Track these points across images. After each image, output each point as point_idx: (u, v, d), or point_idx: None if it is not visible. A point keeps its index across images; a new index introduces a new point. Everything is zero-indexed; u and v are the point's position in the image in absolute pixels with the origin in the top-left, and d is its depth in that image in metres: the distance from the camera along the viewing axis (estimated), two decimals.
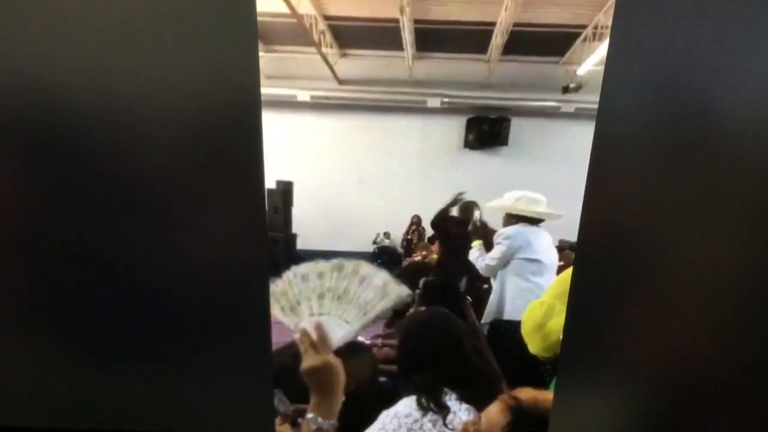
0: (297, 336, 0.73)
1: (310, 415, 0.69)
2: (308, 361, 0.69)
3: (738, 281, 0.36)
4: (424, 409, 1.04)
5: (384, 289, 0.79)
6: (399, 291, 0.80)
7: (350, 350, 1.60)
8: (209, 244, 0.43)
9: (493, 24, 7.08)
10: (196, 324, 0.45)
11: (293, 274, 0.82)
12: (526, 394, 0.96)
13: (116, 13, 0.37)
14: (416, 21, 7.18)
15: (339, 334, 0.74)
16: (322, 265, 0.83)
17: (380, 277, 0.81)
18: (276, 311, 0.79)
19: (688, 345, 0.39)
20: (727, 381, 0.38)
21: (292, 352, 2.46)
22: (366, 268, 0.83)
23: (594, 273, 0.39)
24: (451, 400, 1.07)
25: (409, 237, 8.03)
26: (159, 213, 0.43)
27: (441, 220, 3.80)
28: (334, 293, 0.79)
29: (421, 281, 2.36)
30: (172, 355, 0.46)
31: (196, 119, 0.40)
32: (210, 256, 0.44)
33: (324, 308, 0.78)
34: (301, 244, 8.53)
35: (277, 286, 0.81)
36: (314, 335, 0.71)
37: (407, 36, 7.35)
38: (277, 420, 1.03)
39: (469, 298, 2.73)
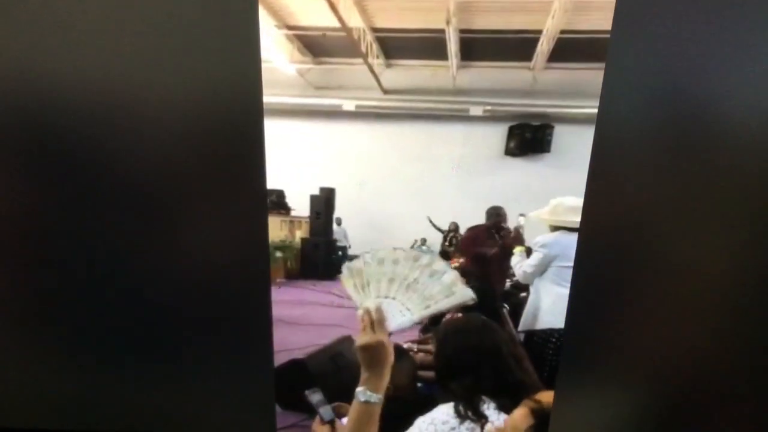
0: (360, 313, 0.77)
1: (360, 388, 0.73)
2: (364, 338, 0.74)
3: (738, 282, 0.36)
4: (461, 416, 0.99)
5: (450, 288, 0.80)
6: (464, 293, 0.81)
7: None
8: (210, 247, 0.43)
9: (538, 32, 6.88)
10: (197, 327, 0.44)
11: (371, 256, 0.84)
12: (548, 397, 0.94)
13: (119, 19, 0.37)
14: (461, 31, 7.12)
15: (398, 320, 0.77)
16: (399, 252, 0.84)
17: (450, 275, 0.82)
18: (349, 286, 0.82)
19: (689, 345, 0.38)
20: (728, 381, 0.38)
21: (329, 354, 2.46)
22: (439, 263, 0.84)
23: (594, 273, 0.39)
24: (489, 409, 1.01)
25: (446, 243, 7.91)
26: (161, 216, 0.43)
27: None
28: (403, 280, 0.81)
29: None
30: (173, 357, 0.45)
31: (197, 123, 0.40)
32: (211, 259, 0.43)
33: (391, 292, 0.80)
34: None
35: (354, 265, 0.84)
36: (374, 315, 0.75)
37: (452, 46, 7.30)
38: (317, 422, 1.02)
39: (506, 306, 2.62)
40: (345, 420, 0.99)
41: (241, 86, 0.38)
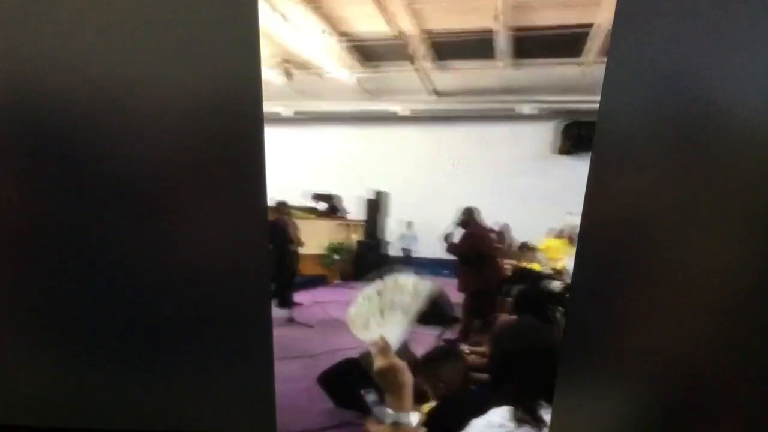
0: (370, 347, 0.88)
1: (386, 411, 0.79)
2: (377, 363, 0.83)
3: (739, 281, 0.34)
4: (519, 421, 0.95)
5: (414, 290, 0.92)
6: (424, 287, 0.93)
7: (443, 356, 1.56)
8: (211, 247, 0.42)
9: (588, 26, 6.45)
10: (199, 326, 0.43)
11: (362, 297, 0.98)
12: None
13: (120, 20, 0.37)
14: (511, 29, 6.86)
15: (396, 337, 0.88)
16: (377, 284, 0.97)
17: (410, 281, 0.94)
18: (355, 331, 0.95)
19: (689, 345, 0.37)
20: (728, 380, 0.37)
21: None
22: (401, 279, 0.95)
23: (595, 272, 0.38)
24: (548, 414, 0.96)
25: (497, 246, 7.66)
26: (161, 216, 0.42)
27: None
28: (387, 306, 0.93)
29: (514, 289, 2.21)
30: (174, 356, 0.45)
31: (198, 125, 0.39)
32: (212, 259, 0.43)
33: (385, 320, 0.92)
34: (394, 251, 8.70)
35: (351, 311, 0.98)
36: (380, 344, 0.85)
37: (502, 44, 7.05)
38: (371, 421, 1.03)
39: (561, 308, 2.48)
40: None
41: (242, 88, 0.38)
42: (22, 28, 0.37)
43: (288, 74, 8.09)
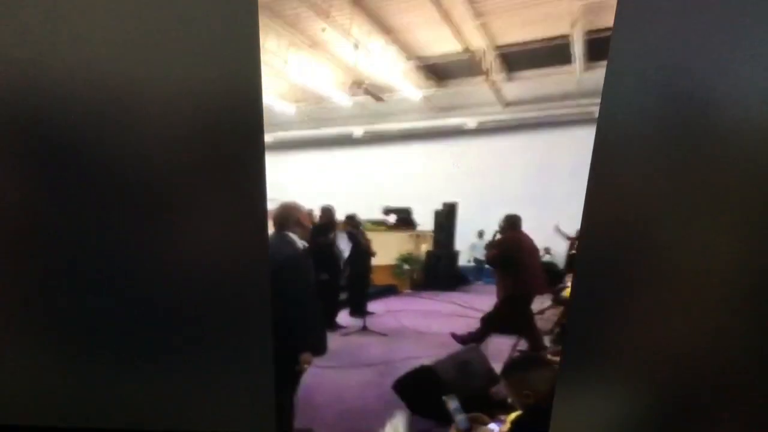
0: None
1: (468, 418, 0.78)
2: None
3: (739, 281, 0.34)
4: None
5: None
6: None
7: (527, 364, 1.53)
8: (212, 246, 0.43)
9: None
10: (199, 326, 0.44)
11: None
12: None
13: (120, 21, 0.37)
14: (587, 32, 6.49)
15: None
16: None
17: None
18: None
19: (689, 345, 0.37)
20: (728, 380, 0.36)
21: (457, 362, 2.46)
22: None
23: (595, 273, 0.38)
24: None
25: (572, 252, 7.15)
26: (163, 217, 0.42)
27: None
28: None
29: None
30: (176, 356, 0.45)
31: (198, 125, 0.40)
32: (213, 258, 0.43)
33: None
34: (463, 260, 8.57)
35: None
36: None
37: (577, 49, 6.69)
38: (453, 429, 1.05)
39: None
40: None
41: (242, 89, 0.38)
42: (23, 27, 0.36)
43: (377, 98, 8.50)
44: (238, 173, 0.40)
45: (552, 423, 0.44)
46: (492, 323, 3.82)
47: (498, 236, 4.15)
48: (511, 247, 3.84)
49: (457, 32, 6.16)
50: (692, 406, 0.39)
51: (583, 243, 0.39)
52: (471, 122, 9.39)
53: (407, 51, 7.51)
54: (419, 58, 7.71)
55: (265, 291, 0.45)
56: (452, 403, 1.08)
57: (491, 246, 3.98)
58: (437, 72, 8.69)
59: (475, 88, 8.71)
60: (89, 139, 0.39)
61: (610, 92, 0.36)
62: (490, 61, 7.36)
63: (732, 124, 0.33)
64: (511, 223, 4.09)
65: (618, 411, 0.41)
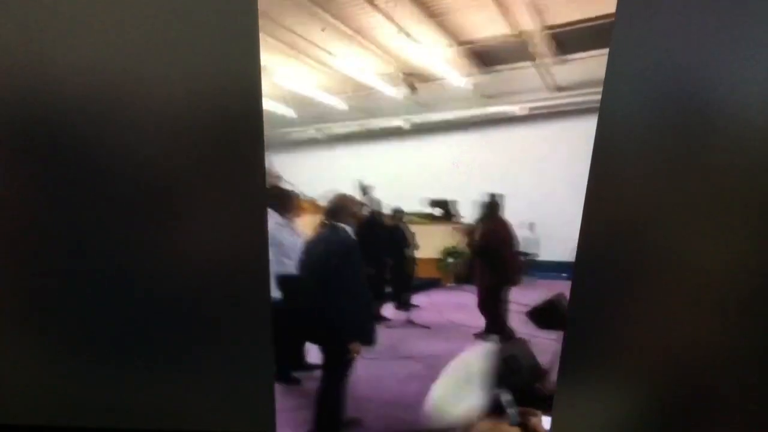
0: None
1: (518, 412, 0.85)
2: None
3: (740, 281, 0.33)
4: None
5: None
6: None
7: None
8: (210, 245, 0.42)
9: None
10: (199, 325, 0.43)
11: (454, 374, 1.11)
12: None
13: (120, 17, 0.37)
14: None
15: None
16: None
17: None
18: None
19: (689, 345, 0.36)
20: (728, 380, 0.35)
21: (502, 356, 2.38)
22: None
23: (594, 273, 0.37)
24: None
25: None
26: (163, 216, 0.41)
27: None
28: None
29: None
30: (176, 355, 0.44)
31: (198, 122, 0.39)
32: (211, 257, 0.42)
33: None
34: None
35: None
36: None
37: None
38: (495, 420, 1.03)
39: None
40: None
41: (242, 85, 0.38)
42: (22, 27, 0.36)
43: (413, 88, 8.37)
44: (238, 172, 0.40)
45: (552, 423, 0.43)
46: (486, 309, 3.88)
47: (479, 224, 4.01)
48: (492, 240, 3.83)
49: (506, 12, 5.81)
50: (693, 406, 0.38)
51: (582, 242, 0.39)
52: (519, 109, 8.92)
53: (453, 36, 7.24)
54: (466, 43, 7.41)
55: (266, 290, 0.43)
56: (504, 397, 1.04)
57: (471, 234, 3.95)
58: (484, 58, 8.33)
59: (523, 73, 8.26)
60: (90, 138, 0.39)
61: (610, 89, 0.35)
62: (540, 43, 6.90)
63: (734, 121, 0.32)
64: (493, 209, 4.00)
65: (618, 410, 0.40)
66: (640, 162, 0.35)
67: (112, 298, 0.42)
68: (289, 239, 2.54)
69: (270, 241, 2.08)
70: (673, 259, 0.36)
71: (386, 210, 4.56)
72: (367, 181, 2.89)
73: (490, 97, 9.14)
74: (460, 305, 5.32)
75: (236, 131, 0.39)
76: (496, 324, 3.85)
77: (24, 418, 0.45)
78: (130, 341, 0.43)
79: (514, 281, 3.82)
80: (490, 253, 3.77)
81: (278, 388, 2.61)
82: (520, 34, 6.32)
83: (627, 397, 0.40)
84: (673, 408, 0.39)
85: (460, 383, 0.95)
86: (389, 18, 6.17)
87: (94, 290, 0.42)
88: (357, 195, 2.73)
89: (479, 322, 4.50)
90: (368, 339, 1.93)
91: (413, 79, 8.30)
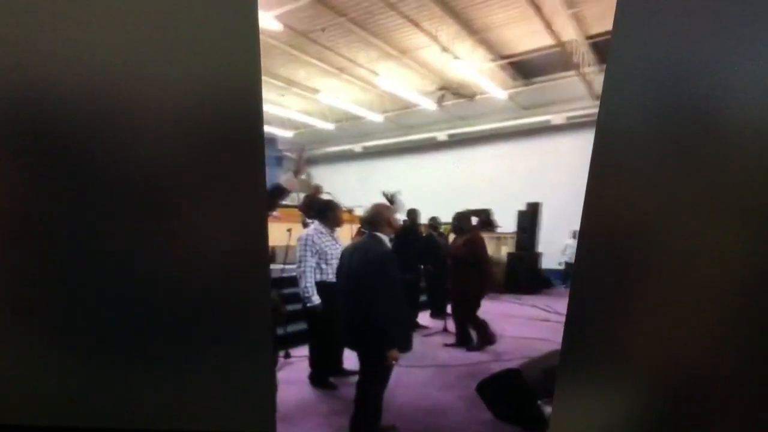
0: None
1: None
2: None
3: (739, 281, 0.33)
4: None
5: None
6: None
7: None
8: (210, 245, 0.42)
9: None
10: (198, 323, 0.43)
11: None
12: None
13: (121, 18, 0.36)
14: None
15: None
16: None
17: None
18: None
19: (688, 345, 0.36)
20: (728, 380, 0.35)
21: (542, 367, 2.31)
22: None
23: (594, 272, 0.37)
24: None
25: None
26: (161, 214, 0.41)
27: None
28: None
29: None
30: (175, 354, 0.44)
31: (197, 123, 0.39)
32: (211, 257, 0.42)
33: None
34: (544, 263, 7.94)
35: None
36: None
37: None
38: None
39: None
40: None
41: (242, 87, 0.37)
42: (21, 25, 0.36)
43: (456, 96, 8.38)
44: (238, 171, 0.40)
45: (552, 423, 0.43)
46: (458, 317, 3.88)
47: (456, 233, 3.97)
48: (474, 250, 3.81)
49: (548, 24, 5.72)
50: (694, 406, 0.38)
51: (582, 243, 0.38)
52: (558, 118, 8.65)
53: (494, 51, 7.21)
54: (507, 57, 7.35)
55: (265, 290, 0.43)
56: (548, 409, 1.03)
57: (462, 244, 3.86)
58: (524, 70, 8.20)
59: (563, 83, 8.04)
60: (89, 137, 0.38)
61: (610, 92, 0.35)
62: (582, 52, 6.69)
63: (735, 123, 0.32)
64: (464, 222, 3.98)
65: (619, 411, 0.40)
66: (640, 163, 0.36)
67: (112, 298, 0.41)
68: (331, 247, 2.65)
69: (313, 249, 2.18)
70: (674, 259, 0.35)
71: (423, 219, 4.59)
72: (392, 190, 2.94)
73: (528, 108, 8.96)
74: (497, 315, 5.21)
75: (236, 131, 0.38)
76: (466, 333, 3.87)
77: (24, 418, 0.44)
78: (130, 340, 0.42)
79: (486, 291, 3.85)
80: (473, 263, 3.79)
81: (314, 393, 2.69)
82: (563, 44, 6.19)
83: (627, 397, 0.40)
84: (674, 408, 0.38)
85: None
86: (434, 39, 6.26)
87: (93, 289, 0.41)
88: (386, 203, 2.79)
89: (516, 331, 4.37)
90: (405, 345, 1.92)
91: (454, 93, 8.33)
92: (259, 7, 0.38)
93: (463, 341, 3.86)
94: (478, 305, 3.81)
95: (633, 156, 0.36)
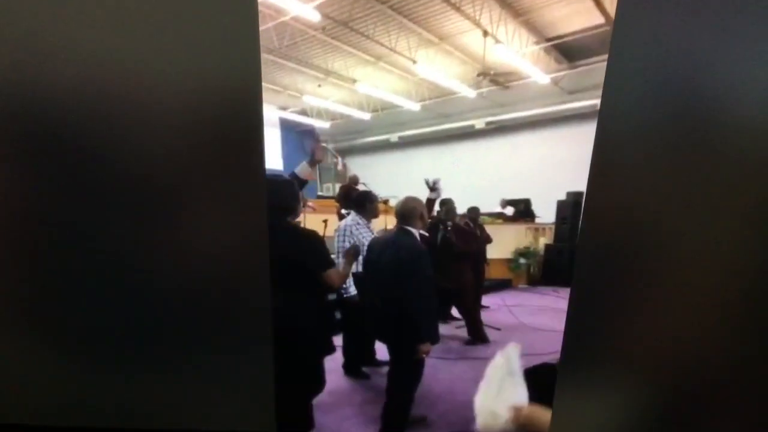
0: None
1: None
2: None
3: (739, 280, 0.32)
4: None
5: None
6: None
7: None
8: (209, 243, 0.41)
9: None
10: (197, 321, 0.42)
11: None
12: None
13: (119, 12, 0.36)
14: None
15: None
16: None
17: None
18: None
19: (689, 344, 0.35)
20: (728, 380, 0.35)
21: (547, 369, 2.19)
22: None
23: (595, 272, 0.38)
24: None
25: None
26: (160, 212, 0.41)
27: None
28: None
29: None
30: (175, 353, 0.43)
31: (197, 119, 0.38)
32: (210, 255, 0.42)
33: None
34: None
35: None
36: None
37: None
38: None
39: None
40: None
41: (241, 82, 0.37)
42: (20, 23, 0.36)
43: (497, 84, 8.01)
44: (238, 170, 0.39)
45: (552, 423, 0.43)
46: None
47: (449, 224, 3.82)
48: (468, 240, 3.77)
49: (598, 1, 5.26)
50: (695, 406, 0.37)
51: (583, 243, 0.38)
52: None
53: (538, 33, 6.78)
54: (551, 39, 6.88)
55: (266, 287, 0.42)
56: None
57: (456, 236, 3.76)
58: (569, 53, 7.65)
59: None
60: (88, 136, 0.38)
61: (610, 88, 0.35)
62: None
63: (737, 120, 0.31)
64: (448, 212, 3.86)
65: (619, 411, 0.40)
66: (641, 161, 0.35)
67: (111, 297, 0.41)
68: (368, 238, 2.63)
69: (351, 240, 2.14)
70: (677, 258, 0.35)
71: (461, 210, 4.44)
72: (433, 178, 2.89)
73: (572, 93, 8.39)
74: (533, 307, 5.02)
75: (236, 130, 0.38)
76: (474, 326, 3.74)
77: (24, 417, 0.44)
78: (130, 340, 0.43)
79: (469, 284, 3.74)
80: (473, 253, 3.76)
81: (348, 383, 2.74)
82: (612, 22, 5.69)
83: (628, 397, 0.39)
84: (676, 408, 0.38)
85: (501, 386, 0.91)
86: (476, 23, 5.98)
87: (93, 288, 0.41)
88: (426, 192, 2.74)
89: (553, 325, 4.19)
90: (435, 338, 1.89)
91: (491, 80, 7.95)
92: None
93: (472, 335, 3.75)
94: (468, 299, 3.72)
95: (635, 155, 0.35)
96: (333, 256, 2.80)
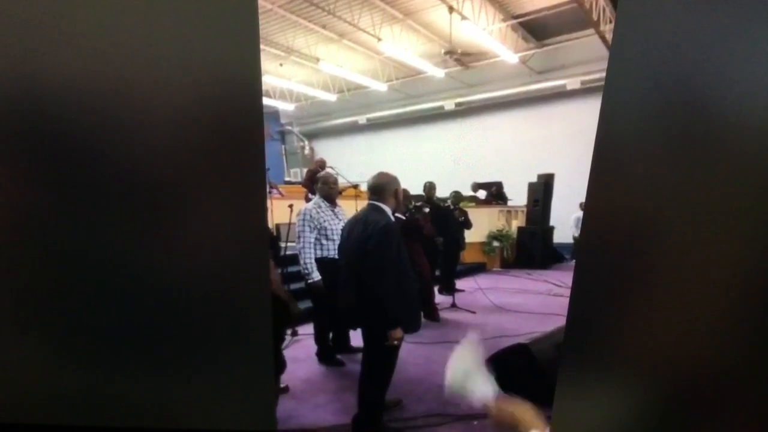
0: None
1: None
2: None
3: (740, 279, 0.33)
4: None
5: None
6: None
7: None
8: (210, 240, 0.42)
9: None
10: (197, 320, 0.43)
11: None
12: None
13: (120, 13, 0.37)
14: None
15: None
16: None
17: None
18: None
19: (689, 344, 0.36)
20: (728, 380, 0.35)
21: (553, 342, 2.29)
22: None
23: (596, 272, 0.38)
24: None
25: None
26: (160, 210, 0.41)
27: None
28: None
29: None
30: (175, 352, 0.44)
31: (197, 117, 0.39)
32: (210, 251, 0.42)
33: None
34: (558, 237, 7.78)
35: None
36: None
37: None
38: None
39: None
40: None
41: (241, 79, 0.37)
42: (19, 23, 0.36)
43: (462, 66, 8.02)
44: (238, 169, 0.39)
45: (552, 423, 0.43)
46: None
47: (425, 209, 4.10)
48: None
49: None
50: (695, 405, 0.38)
51: (584, 238, 0.38)
52: (574, 83, 8.29)
53: (505, 10, 6.85)
54: (519, 16, 6.98)
55: (266, 287, 0.43)
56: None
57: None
58: (537, 31, 7.81)
59: (580, 43, 7.65)
60: (88, 134, 0.39)
61: (612, 86, 0.35)
62: (602, 7, 6.32)
63: (739, 119, 0.32)
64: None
65: (620, 410, 0.41)
66: (642, 160, 0.35)
67: (111, 296, 0.42)
68: (331, 222, 2.60)
69: (312, 224, 2.11)
70: (677, 258, 0.35)
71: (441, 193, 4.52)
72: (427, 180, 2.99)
73: (541, 73, 8.60)
74: (507, 290, 5.21)
75: (236, 128, 0.38)
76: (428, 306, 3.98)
77: (23, 417, 0.45)
78: (130, 339, 0.43)
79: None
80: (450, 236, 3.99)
81: (322, 371, 2.72)
82: (581, 0, 5.83)
83: (629, 396, 0.40)
84: (676, 407, 0.38)
85: (469, 365, 0.96)
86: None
87: (93, 287, 0.42)
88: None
89: (527, 306, 4.38)
90: (411, 325, 1.83)
91: (456, 59, 7.98)
92: None
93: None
94: (427, 279, 3.93)
95: (635, 154, 0.35)
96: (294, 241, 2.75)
